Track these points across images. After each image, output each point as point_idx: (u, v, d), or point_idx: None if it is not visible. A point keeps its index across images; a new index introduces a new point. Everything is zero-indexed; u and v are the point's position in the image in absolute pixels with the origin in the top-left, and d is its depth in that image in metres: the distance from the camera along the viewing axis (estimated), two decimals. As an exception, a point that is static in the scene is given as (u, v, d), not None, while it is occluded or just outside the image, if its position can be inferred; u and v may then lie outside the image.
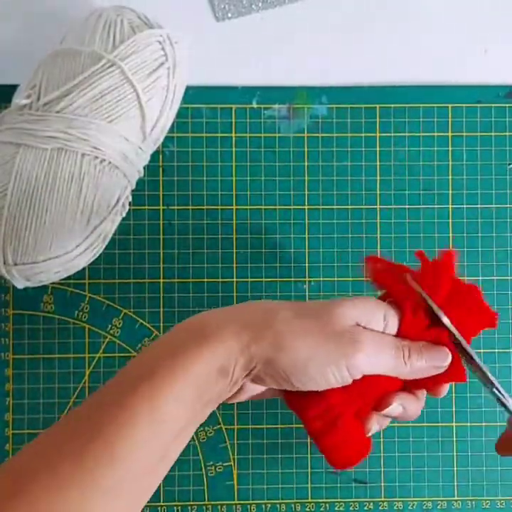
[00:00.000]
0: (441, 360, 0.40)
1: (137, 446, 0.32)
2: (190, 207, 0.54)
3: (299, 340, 0.37)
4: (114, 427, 0.32)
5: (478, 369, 0.40)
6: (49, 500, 0.30)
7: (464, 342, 0.40)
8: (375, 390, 0.41)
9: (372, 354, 0.38)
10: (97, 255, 0.50)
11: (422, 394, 0.43)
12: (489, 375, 0.40)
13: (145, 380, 0.33)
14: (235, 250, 0.54)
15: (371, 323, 0.39)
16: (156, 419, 0.33)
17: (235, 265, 0.54)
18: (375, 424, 0.42)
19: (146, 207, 0.54)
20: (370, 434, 0.42)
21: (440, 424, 0.54)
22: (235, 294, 0.54)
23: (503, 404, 0.40)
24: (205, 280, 0.54)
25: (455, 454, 0.54)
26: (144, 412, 0.32)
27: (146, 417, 0.32)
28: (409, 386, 0.42)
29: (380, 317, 0.40)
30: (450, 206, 0.55)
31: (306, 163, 0.55)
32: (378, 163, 0.55)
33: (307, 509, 0.53)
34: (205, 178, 0.55)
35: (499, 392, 0.40)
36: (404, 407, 0.42)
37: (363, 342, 0.38)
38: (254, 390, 0.41)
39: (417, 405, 0.42)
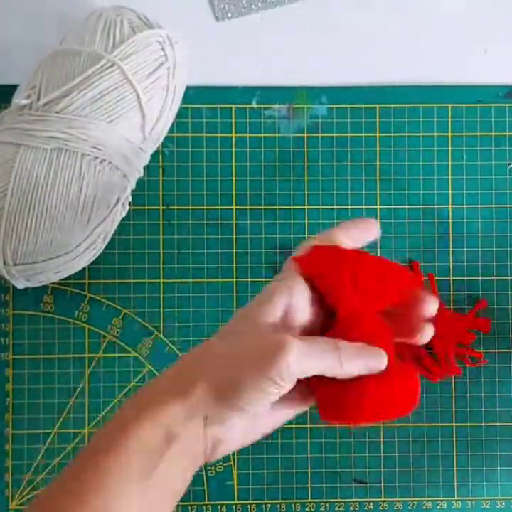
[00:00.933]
0: (377, 362, 0.37)
1: None
2: (190, 207, 0.54)
3: (219, 361, 0.35)
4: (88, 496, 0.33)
5: None
6: None
7: None
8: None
9: (301, 357, 0.34)
10: (97, 255, 0.50)
11: None
12: None
13: (98, 463, 0.34)
14: (234, 250, 0.54)
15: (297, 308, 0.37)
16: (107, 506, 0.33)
17: (234, 265, 0.54)
18: None
19: (146, 207, 0.54)
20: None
21: (440, 424, 0.54)
22: (234, 294, 0.54)
23: None
24: (205, 280, 0.54)
25: (455, 454, 0.54)
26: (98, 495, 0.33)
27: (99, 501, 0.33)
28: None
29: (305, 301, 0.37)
30: (450, 206, 0.55)
31: (306, 163, 0.55)
32: (378, 163, 0.55)
33: (307, 509, 0.53)
34: (205, 178, 0.55)
35: None
36: None
37: (291, 345, 0.34)
38: (239, 435, 0.37)
39: None
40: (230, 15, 0.55)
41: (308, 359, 0.35)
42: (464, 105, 0.55)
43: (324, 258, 0.38)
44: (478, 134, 0.55)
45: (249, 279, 0.54)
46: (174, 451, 0.34)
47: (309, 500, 0.53)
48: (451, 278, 0.54)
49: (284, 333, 0.35)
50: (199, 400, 0.35)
